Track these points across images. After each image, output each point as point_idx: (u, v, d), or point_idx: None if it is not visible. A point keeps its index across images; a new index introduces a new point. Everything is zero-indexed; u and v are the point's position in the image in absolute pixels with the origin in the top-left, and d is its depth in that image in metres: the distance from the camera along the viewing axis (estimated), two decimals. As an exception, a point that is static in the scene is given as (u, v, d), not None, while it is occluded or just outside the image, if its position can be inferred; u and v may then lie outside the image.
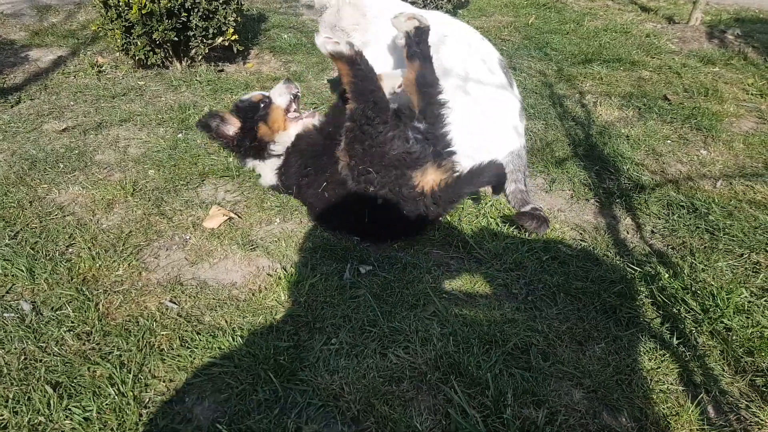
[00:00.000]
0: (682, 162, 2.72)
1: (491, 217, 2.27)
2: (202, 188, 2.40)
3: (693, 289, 1.92)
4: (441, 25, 2.44)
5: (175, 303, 1.79)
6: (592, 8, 5.22)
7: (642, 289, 1.93)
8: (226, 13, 3.33)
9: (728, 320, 1.78)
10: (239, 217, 2.23)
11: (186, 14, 3.23)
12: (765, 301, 1.87)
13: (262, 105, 2.32)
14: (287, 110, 2.34)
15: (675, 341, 1.72)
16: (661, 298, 1.87)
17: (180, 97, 3.18)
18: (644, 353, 1.67)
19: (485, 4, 5.11)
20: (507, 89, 2.42)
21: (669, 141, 2.90)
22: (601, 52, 4.03)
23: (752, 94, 3.48)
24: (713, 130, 2.98)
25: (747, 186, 2.52)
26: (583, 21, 4.76)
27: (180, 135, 2.79)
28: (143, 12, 3.07)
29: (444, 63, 2.36)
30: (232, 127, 2.31)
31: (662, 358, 1.66)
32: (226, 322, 1.72)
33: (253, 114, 2.31)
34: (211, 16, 3.30)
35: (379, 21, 2.49)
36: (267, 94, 2.38)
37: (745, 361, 1.65)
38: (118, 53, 3.53)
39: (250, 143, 2.30)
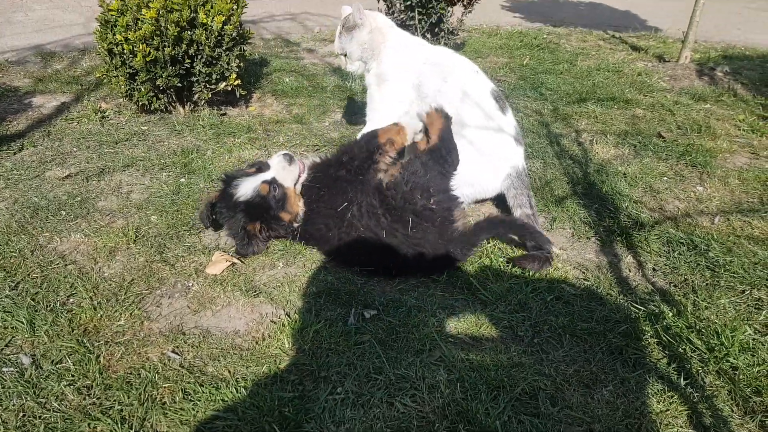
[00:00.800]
0: (680, 199, 2.74)
1: (494, 257, 2.28)
2: (205, 233, 2.40)
3: (697, 327, 1.91)
4: (442, 66, 2.52)
5: (177, 353, 1.78)
6: (584, 48, 5.33)
7: (647, 328, 1.92)
8: (229, 59, 3.39)
9: (734, 359, 1.78)
10: (242, 261, 2.23)
11: (190, 61, 3.29)
12: (770, 339, 1.87)
13: (272, 195, 2.19)
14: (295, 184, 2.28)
15: (682, 382, 1.71)
16: (667, 338, 1.86)
17: (183, 141, 3.22)
18: (652, 395, 1.66)
19: (481, 45, 5.22)
20: (501, 131, 2.47)
21: (665, 178, 2.93)
22: (594, 91, 4.10)
23: (744, 130, 3.54)
24: (708, 166, 3.01)
25: (744, 222, 2.53)
26: (576, 61, 4.86)
27: (182, 179, 2.81)
28: (148, 59, 3.13)
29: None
30: (256, 231, 2.21)
31: (671, 400, 1.65)
32: (230, 372, 1.71)
33: (269, 209, 2.19)
34: (214, 62, 3.36)
35: (396, 57, 2.56)
36: (267, 176, 2.22)
37: (754, 401, 1.64)
38: (121, 99, 3.58)
39: (284, 231, 2.26)
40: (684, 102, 3.97)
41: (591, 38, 5.76)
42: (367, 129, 2.55)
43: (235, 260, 2.22)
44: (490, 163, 2.44)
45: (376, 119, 2.55)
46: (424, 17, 4.20)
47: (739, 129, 3.56)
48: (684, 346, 1.84)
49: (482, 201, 2.66)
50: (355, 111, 3.65)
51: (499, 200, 2.57)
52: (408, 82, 2.50)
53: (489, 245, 2.34)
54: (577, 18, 6.75)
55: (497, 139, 2.45)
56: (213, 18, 3.23)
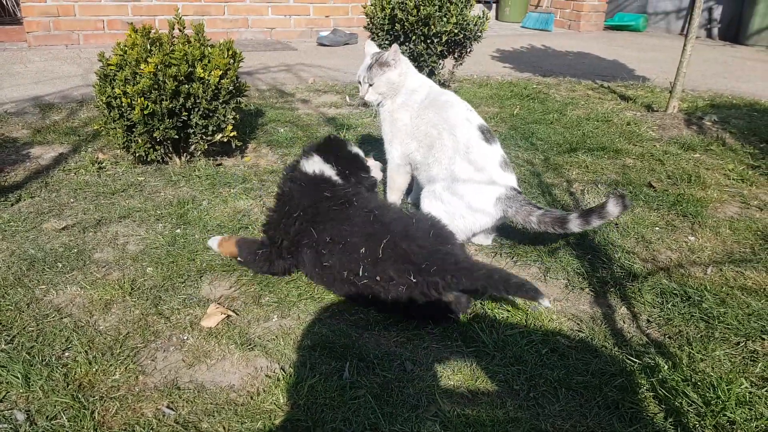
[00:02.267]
0: (672, 249, 2.78)
1: (488, 308, 2.29)
2: (201, 285, 2.41)
3: (693, 380, 1.92)
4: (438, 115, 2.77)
5: (172, 409, 1.76)
6: (573, 98, 5.46)
7: (643, 381, 1.92)
8: (226, 111, 3.46)
9: (731, 413, 1.78)
10: (236, 314, 2.23)
11: (187, 113, 3.35)
12: (766, 391, 1.87)
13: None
14: None
15: (680, 437, 1.70)
16: (663, 392, 1.86)
17: (179, 192, 3.25)
18: (650, 451, 1.65)
19: (472, 95, 5.33)
20: (491, 183, 2.61)
21: (657, 228, 2.97)
22: (585, 140, 4.18)
23: (733, 179, 3.61)
24: (699, 216, 3.06)
25: (737, 272, 2.56)
26: (566, 110, 4.97)
27: (178, 230, 2.83)
28: (145, 112, 3.19)
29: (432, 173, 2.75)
30: None
31: (669, 457, 1.64)
32: (225, 428, 1.69)
33: None
34: (210, 114, 3.43)
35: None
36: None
37: (752, 458, 1.63)
38: (118, 150, 3.63)
39: None
40: (673, 151, 4.05)
41: (580, 88, 5.91)
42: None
43: (230, 312, 2.22)
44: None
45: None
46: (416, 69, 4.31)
47: (728, 178, 3.63)
48: (680, 400, 1.84)
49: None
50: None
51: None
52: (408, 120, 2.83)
53: (483, 296, 2.35)
54: (565, 68, 6.93)
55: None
56: (210, 72, 3.31)
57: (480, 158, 2.63)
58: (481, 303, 2.31)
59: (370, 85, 2.83)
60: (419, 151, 2.78)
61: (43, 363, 1.92)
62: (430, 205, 2.68)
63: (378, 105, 2.90)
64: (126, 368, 1.92)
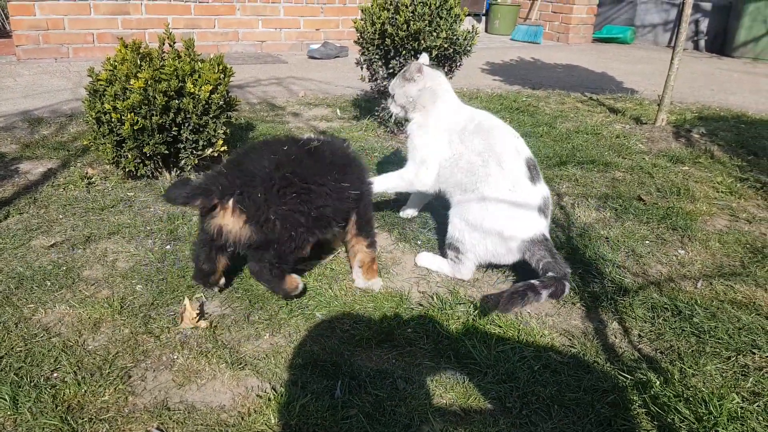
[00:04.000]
0: (662, 263, 2.79)
1: (480, 323, 2.28)
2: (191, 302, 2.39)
3: (685, 395, 1.92)
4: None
5: (162, 431, 1.74)
6: (563, 111, 5.49)
7: (635, 397, 1.92)
8: (216, 126, 3.46)
9: (723, 429, 1.78)
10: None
11: (177, 128, 3.34)
12: (757, 406, 1.88)
13: None
14: None
15: (673, 454, 1.70)
16: (655, 408, 1.87)
17: (169, 207, 3.23)
18: (643, 469, 1.65)
19: (462, 108, 5.35)
20: (526, 207, 2.48)
21: (647, 241, 2.98)
22: (574, 154, 4.21)
23: (722, 192, 3.64)
24: (689, 229, 3.08)
25: (727, 286, 2.58)
26: (555, 123, 5.00)
27: (168, 246, 2.81)
28: (135, 128, 3.18)
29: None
30: None
31: (661, 474, 1.64)
32: (216, 450, 1.68)
33: None
34: (201, 129, 3.42)
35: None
36: None
37: (745, 474, 1.64)
38: (108, 165, 3.61)
39: None
40: (662, 164, 4.08)
41: (569, 101, 5.95)
42: (406, 169, 2.80)
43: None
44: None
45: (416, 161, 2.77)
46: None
47: (717, 191, 3.66)
48: (673, 416, 1.84)
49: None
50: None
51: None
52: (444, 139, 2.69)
53: (475, 312, 2.35)
54: (554, 81, 6.98)
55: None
56: (200, 87, 3.31)
57: (521, 198, 2.47)
58: (473, 318, 2.31)
59: (392, 96, 2.85)
60: (455, 176, 2.63)
61: (32, 384, 1.89)
62: (458, 226, 2.59)
63: (407, 121, 2.86)
64: (115, 389, 1.90)
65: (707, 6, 9.96)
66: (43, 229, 2.93)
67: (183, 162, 3.54)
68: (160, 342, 2.15)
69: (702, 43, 10.17)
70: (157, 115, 3.23)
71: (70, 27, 6.88)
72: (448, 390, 1.95)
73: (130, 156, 3.34)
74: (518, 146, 2.57)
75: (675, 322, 2.32)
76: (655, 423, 1.82)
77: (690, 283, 2.61)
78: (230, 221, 2.14)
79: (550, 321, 2.36)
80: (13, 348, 2.06)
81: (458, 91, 6.11)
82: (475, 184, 2.52)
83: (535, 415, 1.85)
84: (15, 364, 1.98)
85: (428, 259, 2.73)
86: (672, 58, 4.63)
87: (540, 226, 2.47)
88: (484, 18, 11.34)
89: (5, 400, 1.81)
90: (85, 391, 1.87)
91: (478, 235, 2.50)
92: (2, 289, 2.41)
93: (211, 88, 3.36)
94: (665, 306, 2.42)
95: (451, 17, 4.20)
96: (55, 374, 1.96)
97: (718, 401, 1.87)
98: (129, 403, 1.85)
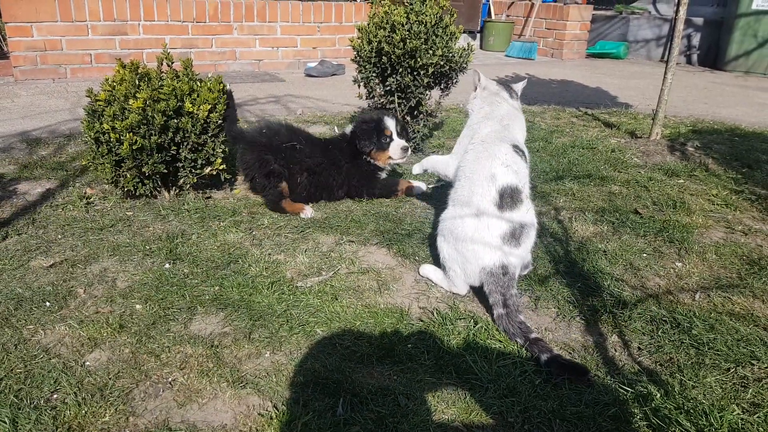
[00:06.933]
0: (660, 275, 2.80)
1: (481, 338, 2.29)
2: (191, 321, 2.39)
3: (685, 408, 1.92)
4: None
5: (164, 450, 1.74)
6: (558, 125, 5.54)
7: (636, 411, 1.93)
8: (215, 144, 3.48)
9: (725, 441, 1.78)
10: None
11: (176, 148, 3.36)
12: (758, 417, 1.88)
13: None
14: None
15: (675, 468, 1.70)
16: (656, 421, 1.87)
17: (168, 226, 3.24)
18: (646, 483, 1.65)
19: (458, 124, 5.39)
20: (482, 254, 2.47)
21: (645, 254, 3.00)
22: (571, 168, 4.24)
23: (718, 204, 3.66)
24: (685, 242, 3.10)
25: (724, 297, 2.59)
26: (552, 138, 5.04)
27: (167, 265, 2.81)
28: (134, 147, 3.19)
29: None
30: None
31: (665, 488, 1.63)
32: (218, 469, 1.67)
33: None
34: (199, 148, 3.44)
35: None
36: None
37: (748, 487, 1.63)
38: (107, 185, 3.62)
39: None
40: (658, 178, 4.11)
41: (564, 115, 6.00)
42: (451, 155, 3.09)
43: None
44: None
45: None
46: (404, 101, 4.37)
47: (713, 204, 3.69)
48: (674, 429, 1.84)
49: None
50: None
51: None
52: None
53: (475, 327, 2.36)
54: (549, 96, 7.04)
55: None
56: (199, 107, 3.33)
57: (482, 225, 2.47)
58: (473, 333, 2.32)
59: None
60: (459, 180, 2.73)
61: (32, 406, 1.89)
62: (441, 241, 2.65)
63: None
64: (116, 409, 1.89)
65: (699, 21, 10.09)
66: (42, 250, 2.93)
67: (182, 181, 3.56)
68: (161, 361, 2.14)
69: (694, 57, 10.28)
70: (155, 135, 3.24)
71: (68, 47, 6.93)
72: (450, 406, 1.95)
73: (129, 175, 3.35)
74: (496, 173, 2.53)
75: (674, 334, 2.33)
76: (657, 436, 1.82)
77: (688, 296, 2.62)
78: None
79: (550, 335, 2.37)
80: (12, 369, 2.06)
81: (454, 108, 6.18)
82: (453, 198, 2.69)
83: (536, 429, 1.85)
84: (15, 386, 1.97)
85: (430, 271, 2.76)
86: (665, 73, 4.68)
87: (495, 258, 2.42)
88: (479, 35, 11.46)
89: (5, 422, 1.80)
90: (86, 412, 1.87)
91: (453, 251, 2.56)
92: (1, 310, 2.41)
93: (209, 107, 3.38)
94: (664, 318, 2.43)
95: (447, 35, 4.24)
96: (55, 395, 1.95)
97: (718, 413, 1.88)
98: (130, 423, 1.85)
